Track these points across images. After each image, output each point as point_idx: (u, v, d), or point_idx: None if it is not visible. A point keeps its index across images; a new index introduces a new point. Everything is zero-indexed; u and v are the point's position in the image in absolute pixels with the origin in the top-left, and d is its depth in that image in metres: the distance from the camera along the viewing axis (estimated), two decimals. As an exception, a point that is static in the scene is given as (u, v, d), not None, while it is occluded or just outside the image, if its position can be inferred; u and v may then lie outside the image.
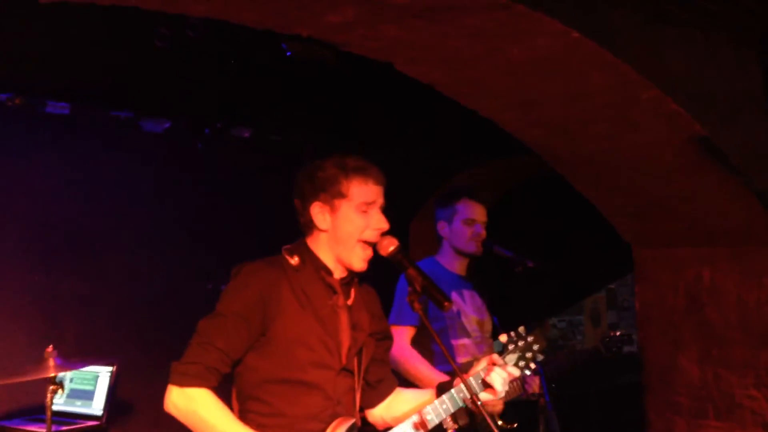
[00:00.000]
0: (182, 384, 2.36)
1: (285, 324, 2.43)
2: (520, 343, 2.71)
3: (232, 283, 2.48)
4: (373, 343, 2.65)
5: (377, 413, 2.72)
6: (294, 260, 2.52)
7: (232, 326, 2.40)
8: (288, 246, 2.58)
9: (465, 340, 3.78)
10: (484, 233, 3.84)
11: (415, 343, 3.67)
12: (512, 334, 2.71)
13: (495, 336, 3.98)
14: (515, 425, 3.58)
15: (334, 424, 2.48)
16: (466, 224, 3.81)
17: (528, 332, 2.73)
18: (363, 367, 2.59)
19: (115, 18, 3.64)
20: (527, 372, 2.72)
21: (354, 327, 2.56)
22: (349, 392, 2.55)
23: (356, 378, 2.57)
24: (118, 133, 4.72)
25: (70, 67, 4.11)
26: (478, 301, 3.91)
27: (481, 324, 3.86)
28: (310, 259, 2.54)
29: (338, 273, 2.56)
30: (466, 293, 3.88)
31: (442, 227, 3.86)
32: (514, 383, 3.85)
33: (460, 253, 3.85)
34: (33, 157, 4.49)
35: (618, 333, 4.19)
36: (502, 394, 2.61)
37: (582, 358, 4.23)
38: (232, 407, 2.48)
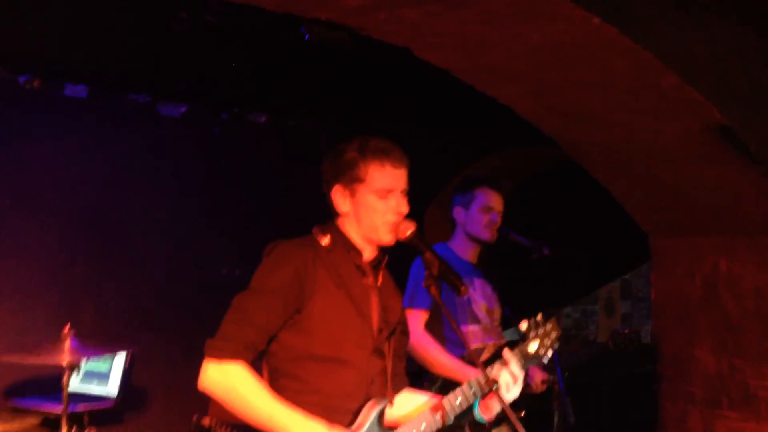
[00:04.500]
0: (220, 358, 2.34)
1: (321, 302, 2.43)
2: (540, 331, 2.73)
3: (266, 260, 2.48)
4: (399, 333, 2.66)
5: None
6: (325, 240, 2.52)
7: (268, 302, 2.40)
8: (319, 226, 2.58)
9: (474, 327, 3.79)
10: (499, 221, 3.84)
11: (426, 328, 3.68)
12: (531, 321, 2.73)
13: (505, 326, 4.00)
14: (522, 414, 3.61)
15: (369, 404, 2.48)
16: (483, 211, 3.80)
17: (545, 320, 2.75)
18: (392, 351, 2.59)
19: (133, 1, 3.66)
20: (544, 361, 2.75)
21: (385, 309, 2.57)
22: (381, 374, 2.55)
23: (388, 360, 2.56)
24: (136, 117, 4.73)
25: (88, 50, 4.13)
26: (488, 289, 3.92)
27: (490, 312, 3.88)
28: (341, 239, 2.54)
29: (368, 254, 2.57)
30: (477, 281, 3.89)
31: (458, 212, 3.85)
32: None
33: (474, 239, 3.85)
34: (51, 140, 4.50)
35: (627, 331, 4.21)
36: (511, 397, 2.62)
37: (593, 351, 4.25)
38: None
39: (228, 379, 2.35)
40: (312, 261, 2.46)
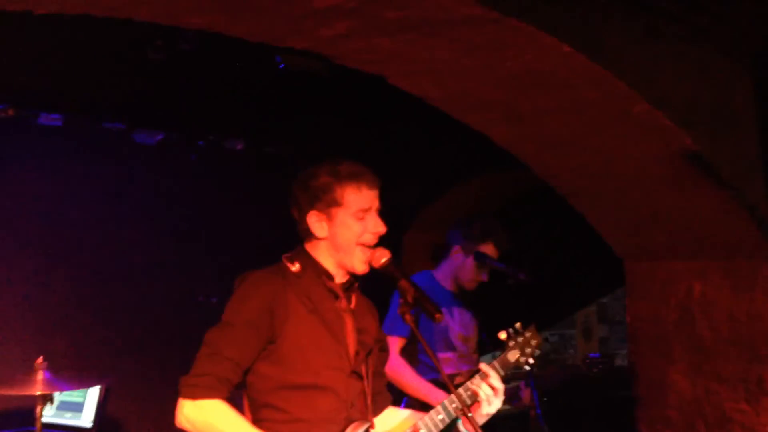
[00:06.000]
0: (195, 396, 2.34)
1: (294, 329, 2.43)
2: (519, 339, 2.76)
3: (237, 292, 2.49)
4: (377, 352, 2.67)
5: None
6: (295, 267, 2.54)
7: (241, 335, 2.40)
8: (287, 254, 2.60)
9: (449, 354, 3.86)
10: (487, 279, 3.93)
11: (403, 352, 3.73)
12: (510, 330, 2.75)
13: (483, 351, 4.04)
14: None
15: (350, 428, 2.48)
16: (481, 267, 3.89)
17: (524, 328, 2.78)
18: (371, 372, 2.60)
19: (108, 30, 3.65)
20: (527, 368, 2.77)
21: (360, 331, 2.58)
22: (360, 396, 2.56)
23: (366, 382, 2.57)
24: (111, 145, 4.72)
25: (63, 78, 4.12)
26: (467, 317, 3.98)
27: (466, 340, 3.94)
28: (311, 264, 2.55)
29: (339, 278, 2.58)
30: (456, 310, 3.97)
31: (456, 252, 3.95)
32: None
33: (457, 281, 3.94)
34: (26, 169, 4.48)
35: (599, 356, 4.28)
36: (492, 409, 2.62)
37: (568, 375, 4.30)
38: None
39: (204, 416, 2.33)
40: (282, 289, 2.47)
